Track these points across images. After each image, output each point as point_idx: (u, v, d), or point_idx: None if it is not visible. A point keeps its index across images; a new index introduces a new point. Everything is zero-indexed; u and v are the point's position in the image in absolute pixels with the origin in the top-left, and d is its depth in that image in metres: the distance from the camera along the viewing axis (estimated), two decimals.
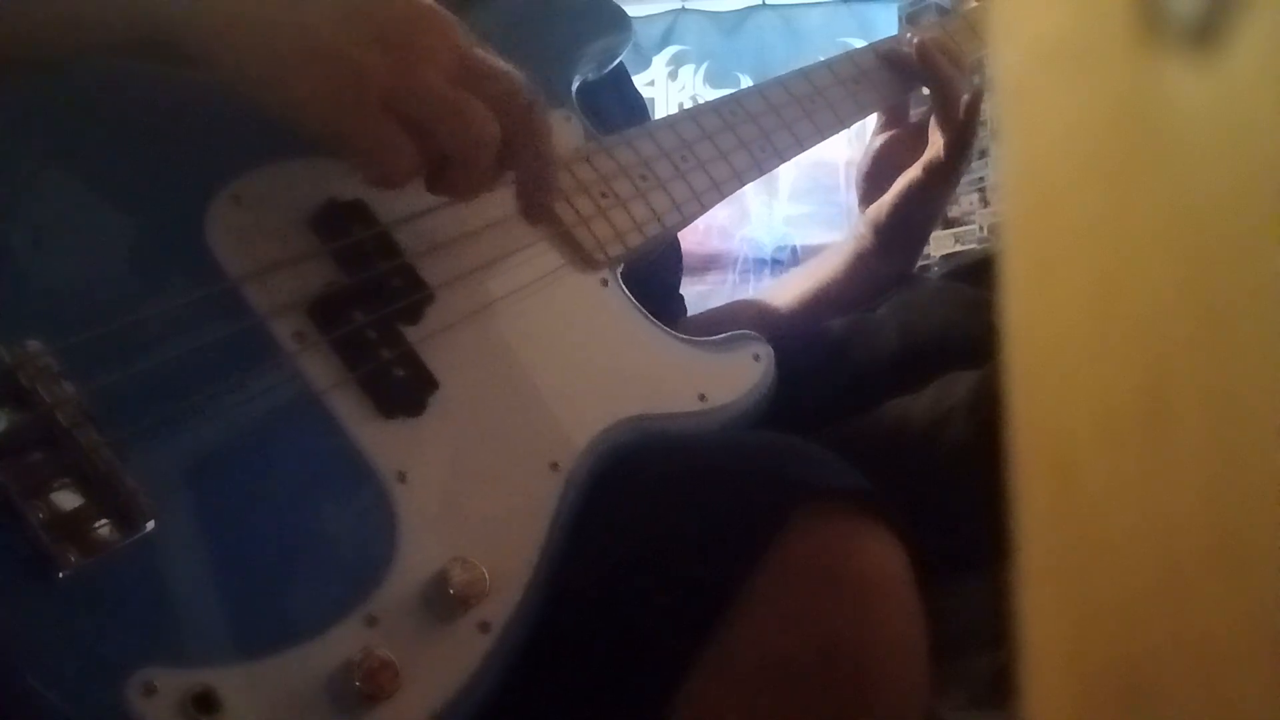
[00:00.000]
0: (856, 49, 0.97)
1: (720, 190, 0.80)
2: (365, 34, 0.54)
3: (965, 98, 0.91)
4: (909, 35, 0.96)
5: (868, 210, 0.96)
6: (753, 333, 0.75)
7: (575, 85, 0.79)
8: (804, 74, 0.91)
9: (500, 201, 0.63)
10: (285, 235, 0.60)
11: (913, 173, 0.93)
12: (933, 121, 0.93)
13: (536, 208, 0.62)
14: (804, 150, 0.87)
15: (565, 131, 0.75)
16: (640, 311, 0.72)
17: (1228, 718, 0.20)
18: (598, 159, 0.74)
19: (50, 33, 0.58)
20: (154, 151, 0.58)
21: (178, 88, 0.58)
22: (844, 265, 0.98)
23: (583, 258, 0.70)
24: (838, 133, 0.92)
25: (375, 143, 0.54)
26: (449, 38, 0.56)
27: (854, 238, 0.98)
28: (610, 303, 0.71)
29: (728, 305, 1.04)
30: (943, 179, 0.92)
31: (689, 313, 0.97)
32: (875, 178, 0.97)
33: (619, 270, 0.72)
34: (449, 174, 0.58)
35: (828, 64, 0.93)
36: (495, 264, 0.66)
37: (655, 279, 0.80)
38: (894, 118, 0.99)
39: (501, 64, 0.58)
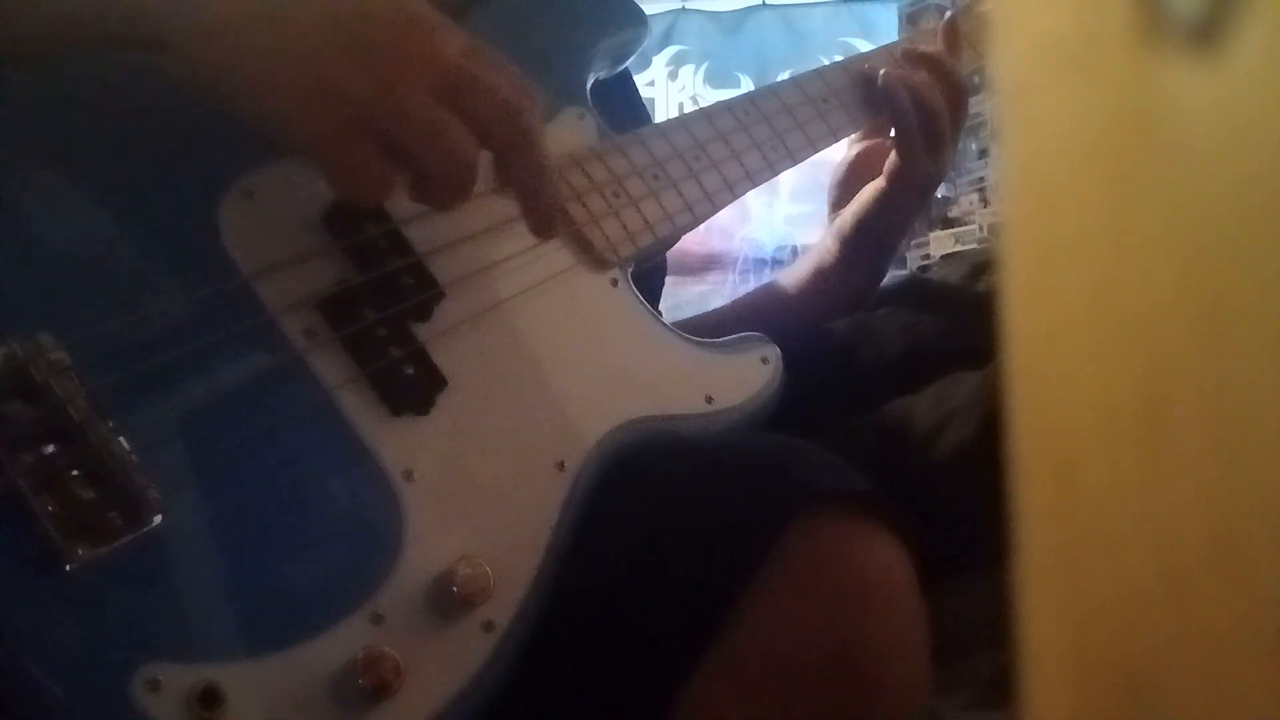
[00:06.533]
0: (875, 49, 0.95)
1: (733, 190, 0.79)
2: (347, 48, 0.52)
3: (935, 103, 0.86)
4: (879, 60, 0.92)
5: (835, 220, 0.93)
6: (761, 335, 0.75)
7: (590, 82, 0.78)
8: (819, 74, 0.89)
9: (512, 200, 0.63)
10: (298, 231, 0.59)
11: (878, 180, 0.90)
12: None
13: (541, 223, 0.60)
14: (818, 151, 0.86)
15: (579, 130, 0.75)
16: (649, 312, 0.71)
17: (1228, 717, 0.20)
18: (611, 158, 0.74)
19: (32, 27, 0.56)
20: (166, 145, 0.58)
21: None
22: (800, 283, 0.95)
23: (594, 257, 0.70)
24: (852, 133, 0.91)
25: (346, 164, 0.53)
26: (436, 49, 0.54)
27: (817, 251, 0.95)
28: (620, 303, 0.70)
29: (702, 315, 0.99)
30: (905, 186, 0.88)
31: (686, 314, 0.96)
32: (847, 185, 0.94)
33: (629, 270, 0.72)
34: (428, 189, 0.56)
35: (843, 64, 0.92)
36: (506, 262, 0.66)
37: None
38: (873, 128, 0.96)
39: (493, 73, 0.55)
